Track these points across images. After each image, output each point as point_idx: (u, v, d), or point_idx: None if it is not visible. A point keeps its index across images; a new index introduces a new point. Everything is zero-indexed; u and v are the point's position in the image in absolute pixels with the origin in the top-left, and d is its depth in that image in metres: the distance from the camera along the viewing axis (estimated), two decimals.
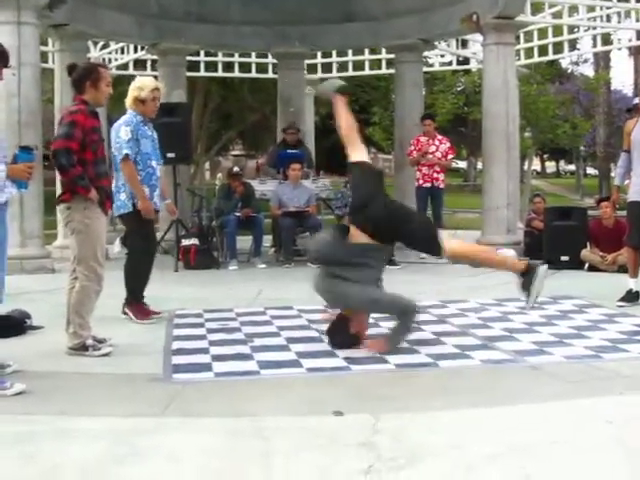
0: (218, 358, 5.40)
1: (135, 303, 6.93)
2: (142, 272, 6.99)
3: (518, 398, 4.44)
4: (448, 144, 11.89)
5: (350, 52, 17.39)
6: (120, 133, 6.83)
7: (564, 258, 10.09)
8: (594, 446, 3.62)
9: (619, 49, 35.41)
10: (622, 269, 8.72)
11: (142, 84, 7.00)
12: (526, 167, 28.36)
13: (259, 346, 5.75)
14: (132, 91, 6.95)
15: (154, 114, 7.11)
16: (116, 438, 3.76)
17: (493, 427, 3.93)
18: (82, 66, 5.97)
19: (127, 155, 6.76)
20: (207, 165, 37.61)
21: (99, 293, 5.76)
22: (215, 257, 10.99)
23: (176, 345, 5.83)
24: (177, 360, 5.37)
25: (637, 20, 14.70)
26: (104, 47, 15.70)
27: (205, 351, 5.64)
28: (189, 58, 14.82)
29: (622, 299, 7.43)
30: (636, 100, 8.34)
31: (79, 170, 5.58)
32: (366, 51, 17.35)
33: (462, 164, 47.96)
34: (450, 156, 11.88)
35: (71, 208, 5.65)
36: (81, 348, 5.57)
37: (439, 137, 11.93)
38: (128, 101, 6.98)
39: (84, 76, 5.73)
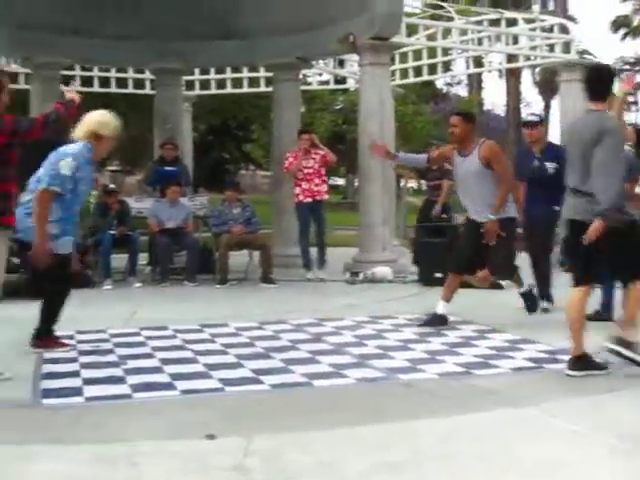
0: (89, 382, 5.27)
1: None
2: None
3: (391, 415, 4.50)
4: (323, 152, 11.42)
5: (229, 69, 17.36)
6: (62, 163, 6.04)
7: (437, 275, 10.27)
8: (464, 462, 3.69)
9: (490, 71, 36.61)
10: (494, 285, 8.94)
11: (108, 120, 6.30)
12: (402, 184, 28.85)
13: (132, 368, 5.64)
14: (92, 124, 6.22)
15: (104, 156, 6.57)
16: None
17: (366, 445, 3.96)
18: None
19: (51, 190, 5.99)
20: None
21: None
22: (89, 276, 10.75)
23: (46, 369, 5.66)
24: (46, 384, 5.21)
25: (507, 44, 15.22)
26: None
27: (76, 374, 5.49)
28: (64, 72, 14.50)
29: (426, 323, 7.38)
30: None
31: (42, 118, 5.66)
32: (245, 69, 17.35)
33: (340, 181, 48.48)
34: (329, 157, 11.40)
35: None
36: None
37: (315, 150, 11.48)
38: (80, 132, 6.23)
39: None
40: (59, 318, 6.39)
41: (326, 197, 11.52)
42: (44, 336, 6.30)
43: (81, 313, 8.28)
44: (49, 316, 6.31)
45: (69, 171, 6.03)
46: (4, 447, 3.93)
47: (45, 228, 5.98)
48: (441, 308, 7.40)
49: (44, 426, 4.34)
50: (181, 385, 5.15)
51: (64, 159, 6.07)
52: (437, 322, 7.31)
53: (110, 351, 6.30)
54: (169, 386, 5.15)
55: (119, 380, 5.32)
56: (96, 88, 17.12)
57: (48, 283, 6.30)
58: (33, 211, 6.02)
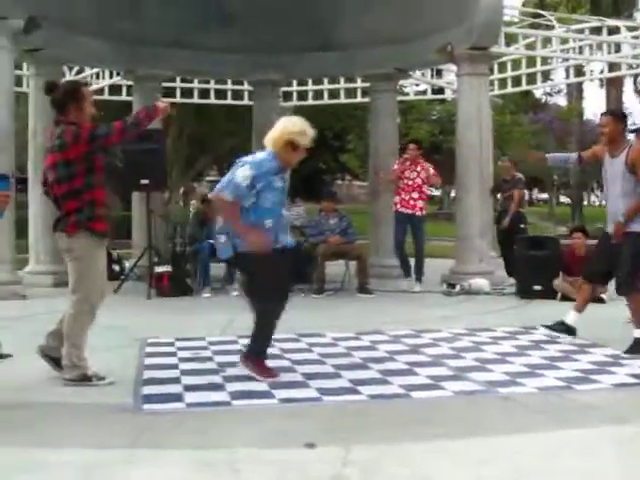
0: (189, 388, 5.36)
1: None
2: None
3: (489, 429, 4.45)
4: (431, 170, 11.32)
5: (326, 80, 17.46)
6: (238, 172, 5.59)
7: (537, 287, 10.13)
8: (566, 479, 3.62)
9: (591, 80, 35.91)
10: (596, 299, 8.75)
11: (305, 128, 5.68)
12: (499, 195, 28.53)
13: (231, 376, 5.71)
14: (286, 132, 5.66)
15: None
16: (84, 470, 3.71)
17: (464, 459, 3.92)
18: (64, 86, 5.74)
19: (222, 196, 5.60)
20: (182, 191, 37.47)
21: (92, 323, 5.60)
22: (188, 284, 10.95)
23: (147, 375, 5.77)
24: (148, 390, 5.32)
25: (609, 52, 14.90)
26: (79, 72, 15.66)
27: (176, 381, 5.59)
28: (165, 84, 14.81)
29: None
30: None
31: (120, 123, 5.47)
32: (341, 79, 17.43)
33: (437, 192, 48.22)
34: (435, 178, 11.39)
35: (73, 236, 5.47)
36: (84, 379, 5.46)
37: (422, 164, 11.36)
38: (272, 140, 5.69)
39: (67, 96, 5.50)
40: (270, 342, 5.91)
41: (419, 213, 11.28)
42: (254, 357, 5.78)
43: (180, 320, 8.49)
44: (262, 336, 5.80)
45: (243, 181, 5.53)
46: (107, 451, 4.03)
47: (240, 223, 5.58)
48: (571, 318, 7.24)
49: (145, 431, 4.42)
50: (279, 394, 5.19)
51: (243, 167, 5.62)
52: (564, 330, 7.20)
53: (209, 358, 6.40)
54: (267, 394, 5.20)
55: (218, 387, 5.40)
56: (196, 99, 17.44)
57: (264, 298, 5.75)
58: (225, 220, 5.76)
